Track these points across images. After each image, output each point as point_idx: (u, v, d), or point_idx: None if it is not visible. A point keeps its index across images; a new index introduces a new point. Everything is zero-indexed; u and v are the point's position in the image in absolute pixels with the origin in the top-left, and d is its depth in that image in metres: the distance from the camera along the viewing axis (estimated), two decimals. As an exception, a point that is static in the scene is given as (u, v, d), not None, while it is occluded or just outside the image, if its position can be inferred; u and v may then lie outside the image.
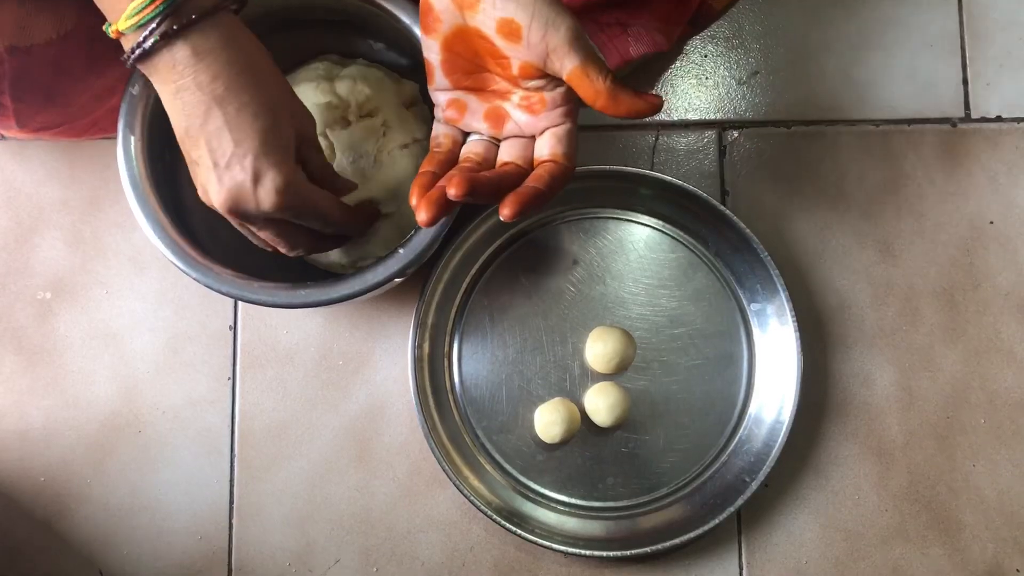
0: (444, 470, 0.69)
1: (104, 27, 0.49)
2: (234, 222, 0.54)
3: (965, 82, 0.80)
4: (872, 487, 0.74)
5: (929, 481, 0.74)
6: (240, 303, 0.75)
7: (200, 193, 0.53)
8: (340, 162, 0.66)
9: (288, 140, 0.51)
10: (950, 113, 0.79)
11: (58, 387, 0.74)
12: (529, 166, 0.53)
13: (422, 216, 0.49)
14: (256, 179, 0.49)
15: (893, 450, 0.75)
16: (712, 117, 0.79)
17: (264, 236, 0.55)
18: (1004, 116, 0.79)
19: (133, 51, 0.47)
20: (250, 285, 0.61)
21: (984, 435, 0.75)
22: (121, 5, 0.46)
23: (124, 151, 0.62)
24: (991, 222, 0.78)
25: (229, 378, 0.75)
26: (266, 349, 0.75)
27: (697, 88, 0.80)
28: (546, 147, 0.52)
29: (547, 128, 0.52)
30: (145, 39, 0.47)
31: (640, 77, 0.79)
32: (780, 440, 0.70)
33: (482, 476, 0.72)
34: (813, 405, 0.75)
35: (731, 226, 0.72)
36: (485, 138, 0.55)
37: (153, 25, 0.46)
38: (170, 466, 0.74)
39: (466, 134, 0.56)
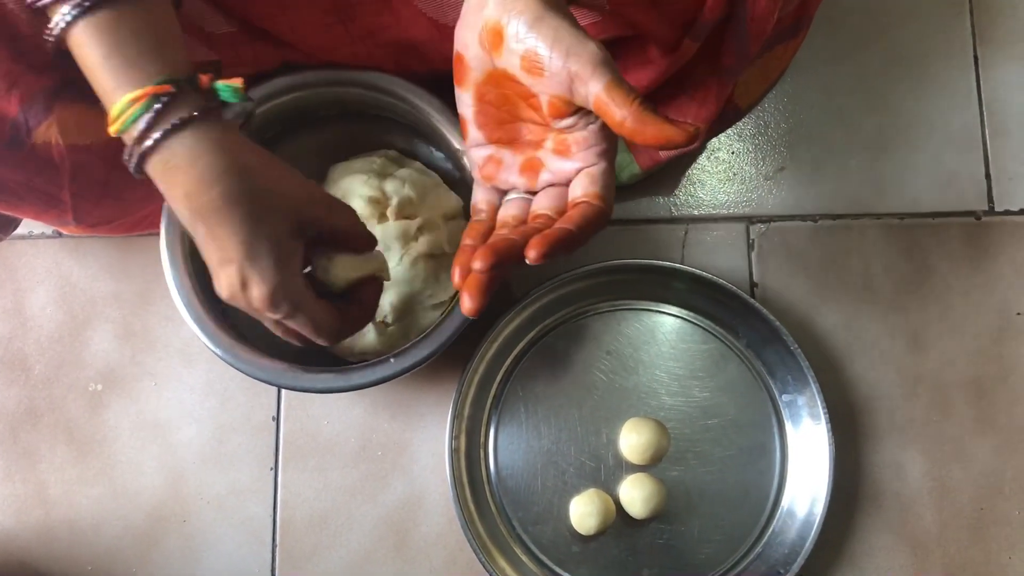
0: (481, 562, 0.71)
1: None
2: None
3: (988, 176, 0.82)
4: (907, 579, 0.74)
5: (965, 574, 0.74)
6: (283, 394, 0.78)
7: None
8: None
9: (277, 242, 0.49)
10: (974, 206, 0.81)
11: (107, 477, 0.77)
12: (561, 215, 0.50)
13: (466, 305, 0.47)
14: (243, 286, 0.49)
15: (927, 541, 0.75)
16: (740, 212, 0.81)
17: (275, 329, 0.56)
18: (1027, 209, 0.81)
19: (129, 157, 0.48)
20: (288, 372, 0.64)
21: (1019, 527, 0.75)
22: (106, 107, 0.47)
23: (168, 247, 0.65)
24: (1018, 313, 0.79)
25: (271, 468, 0.76)
26: (308, 439, 0.77)
27: (725, 183, 0.82)
28: (579, 187, 0.49)
29: (581, 169, 0.50)
30: (132, 148, 0.47)
31: (667, 173, 0.82)
32: (814, 532, 0.71)
33: (518, 567, 0.72)
34: (846, 496, 0.75)
35: (761, 318, 0.74)
36: (521, 197, 0.54)
37: (140, 128, 0.46)
38: (213, 555, 0.75)
39: (503, 195, 0.55)
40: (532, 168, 0.52)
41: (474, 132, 0.53)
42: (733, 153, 0.83)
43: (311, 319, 0.53)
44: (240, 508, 0.76)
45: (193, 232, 0.49)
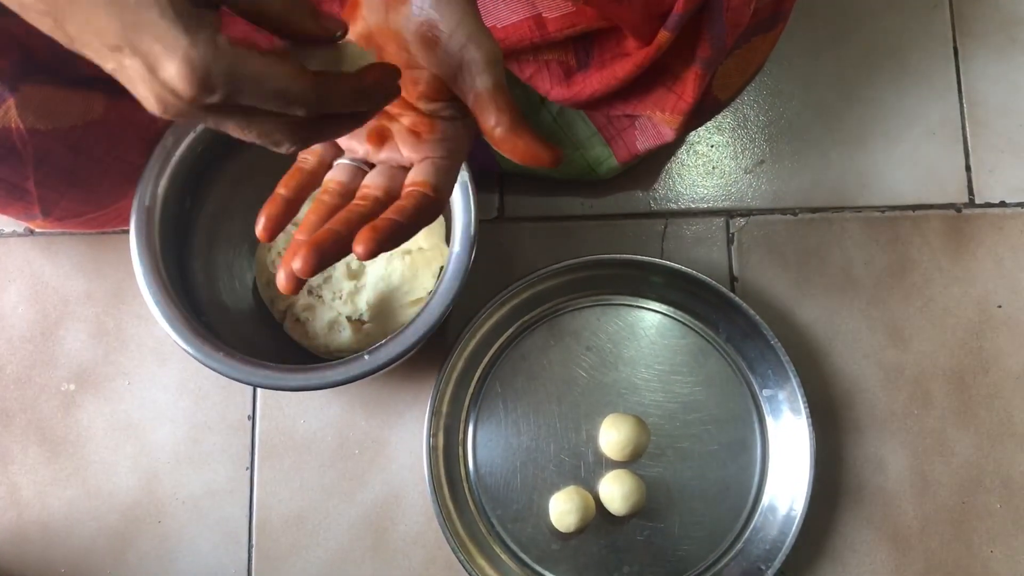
0: (460, 560, 0.70)
1: None
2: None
3: (968, 168, 0.82)
4: (889, 574, 0.74)
5: (947, 568, 0.74)
6: (259, 393, 0.77)
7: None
8: None
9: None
10: (954, 199, 0.81)
11: (80, 478, 0.75)
12: (390, 200, 0.46)
13: (281, 282, 0.43)
14: (151, 69, 0.35)
15: (909, 536, 0.74)
16: (719, 205, 0.81)
17: (233, 131, 0.40)
18: (1008, 201, 0.81)
19: None
20: (260, 370, 0.63)
21: (1001, 520, 0.75)
22: None
23: (138, 243, 0.64)
24: (999, 306, 0.78)
25: (247, 467, 0.76)
26: (284, 438, 0.76)
27: (704, 177, 0.82)
28: (420, 174, 0.46)
29: (427, 158, 0.47)
30: None
31: (645, 167, 0.81)
32: (795, 527, 0.70)
33: (498, 566, 0.72)
34: (827, 491, 0.75)
35: (741, 313, 0.74)
36: (355, 163, 0.50)
37: None
38: (189, 556, 0.74)
39: (339, 152, 0.50)
40: (380, 138, 0.48)
41: None
42: (712, 147, 0.82)
43: (269, 84, 0.37)
44: (216, 508, 0.75)
45: (58, 35, 0.36)
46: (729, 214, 0.81)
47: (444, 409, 0.74)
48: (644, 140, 0.75)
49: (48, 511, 0.75)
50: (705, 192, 0.81)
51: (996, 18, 0.84)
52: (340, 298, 0.71)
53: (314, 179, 0.49)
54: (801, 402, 0.72)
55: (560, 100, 0.71)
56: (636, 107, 0.73)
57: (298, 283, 0.43)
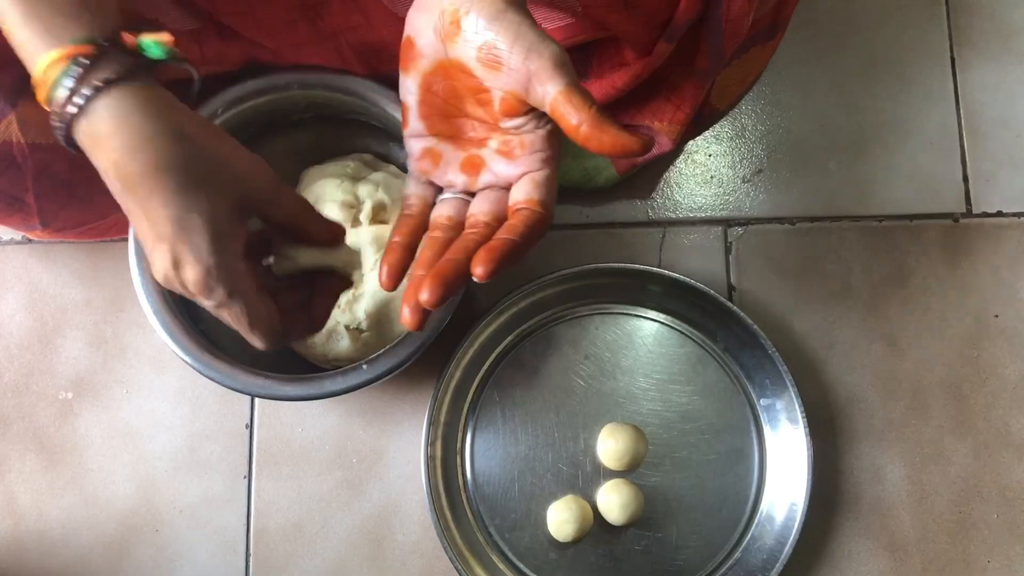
0: (457, 570, 0.70)
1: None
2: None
3: (965, 178, 0.82)
4: (887, 584, 0.74)
5: (944, 578, 0.74)
6: (257, 402, 0.77)
7: None
8: None
9: (214, 218, 0.46)
10: (952, 208, 0.81)
11: (77, 486, 0.75)
12: (499, 222, 0.48)
13: (407, 318, 0.45)
14: (176, 265, 0.46)
15: (907, 545, 0.75)
16: (718, 214, 0.81)
17: (220, 315, 0.50)
18: (1005, 211, 0.81)
19: (56, 129, 0.45)
20: (258, 380, 0.63)
21: (998, 530, 0.75)
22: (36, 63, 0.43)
23: (137, 253, 0.65)
24: (996, 316, 0.79)
25: (245, 476, 0.75)
26: (281, 447, 0.76)
27: (703, 186, 0.82)
28: (522, 192, 0.48)
29: (525, 174, 0.48)
30: (58, 117, 0.44)
31: (644, 176, 0.81)
32: (792, 536, 0.70)
33: (495, 575, 0.72)
34: (825, 500, 0.75)
35: (738, 322, 0.74)
36: (457, 196, 0.52)
37: (63, 94, 0.43)
38: (186, 565, 0.74)
39: (438, 191, 0.53)
40: (473, 167, 0.51)
41: (415, 122, 0.51)
42: (710, 156, 0.82)
43: (247, 311, 0.48)
44: (213, 517, 0.75)
45: (125, 208, 0.46)
46: (727, 223, 0.81)
47: (442, 418, 0.74)
48: (643, 150, 0.75)
49: (45, 519, 0.75)
50: (703, 201, 0.81)
51: (993, 29, 0.85)
52: (339, 307, 0.71)
53: (422, 221, 0.52)
54: (799, 411, 0.72)
55: (559, 110, 0.71)
56: (635, 117, 0.74)
57: (425, 316, 0.46)
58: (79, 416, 0.77)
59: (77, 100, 0.43)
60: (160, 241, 0.45)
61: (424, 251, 0.49)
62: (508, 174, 0.49)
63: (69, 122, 0.44)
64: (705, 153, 0.83)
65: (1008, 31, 0.85)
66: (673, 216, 0.81)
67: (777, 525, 0.72)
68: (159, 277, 0.47)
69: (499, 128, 0.49)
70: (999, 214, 0.81)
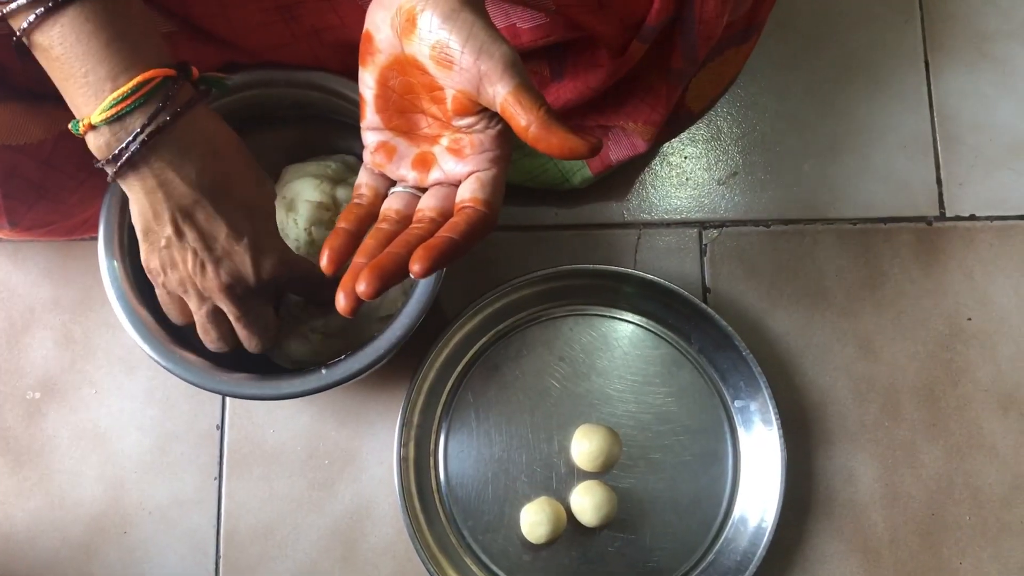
0: (429, 572, 0.69)
1: (71, 125, 0.49)
2: (203, 315, 0.58)
3: (939, 182, 0.82)
4: (859, 586, 0.74)
5: (916, 580, 0.74)
6: (228, 402, 0.76)
7: (175, 284, 0.56)
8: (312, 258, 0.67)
9: (271, 213, 0.56)
10: (925, 212, 0.81)
11: (44, 488, 0.74)
12: (445, 219, 0.49)
13: (341, 304, 0.46)
14: (258, 255, 0.54)
15: (879, 547, 0.75)
16: (692, 216, 0.81)
17: (238, 321, 0.58)
18: (978, 215, 0.81)
19: (117, 156, 0.49)
20: (233, 379, 0.62)
21: (969, 532, 0.75)
22: (92, 97, 0.47)
23: (107, 251, 0.63)
24: (969, 319, 0.79)
25: (215, 478, 0.75)
26: (252, 448, 0.75)
27: (678, 188, 0.82)
28: (467, 191, 0.49)
29: (472, 172, 0.49)
30: (129, 144, 0.48)
31: (619, 178, 0.81)
32: (766, 539, 0.70)
33: (468, 578, 0.71)
34: (798, 502, 0.75)
35: (713, 324, 0.74)
36: (408, 190, 0.53)
37: (136, 126, 0.48)
38: (155, 568, 0.73)
39: (391, 183, 0.54)
40: (424, 163, 0.51)
41: (371, 115, 0.52)
42: (686, 158, 0.83)
43: (262, 319, 0.59)
44: (183, 519, 0.74)
45: (190, 216, 0.52)
46: (702, 225, 0.81)
47: (415, 419, 0.73)
48: (618, 151, 0.75)
49: (11, 522, 0.74)
50: (678, 203, 0.81)
51: (966, 33, 0.85)
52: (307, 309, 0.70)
53: (372, 211, 0.53)
54: (772, 413, 0.72)
55: (534, 110, 0.71)
56: (609, 118, 0.73)
57: (358, 304, 0.46)
58: (47, 416, 0.76)
59: (166, 116, 0.49)
60: (238, 239, 0.53)
61: (368, 240, 0.50)
62: (457, 172, 0.50)
63: (149, 139, 0.48)
64: (680, 155, 0.83)
65: (981, 36, 0.85)
66: (648, 218, 0.81)
67: (751, 527, 0.72)
68: (225, 276, 0.54)
69: (451, 126, 0.49)
70: (972, 217, 0.81)
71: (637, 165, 0.82)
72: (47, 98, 0.59)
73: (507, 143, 0.49)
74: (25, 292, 0.78)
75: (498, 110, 0.46)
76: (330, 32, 0.65)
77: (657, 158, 0.82)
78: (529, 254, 0.79)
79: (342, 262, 0.50)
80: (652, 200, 0.81)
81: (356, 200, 0.53)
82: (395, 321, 0.63)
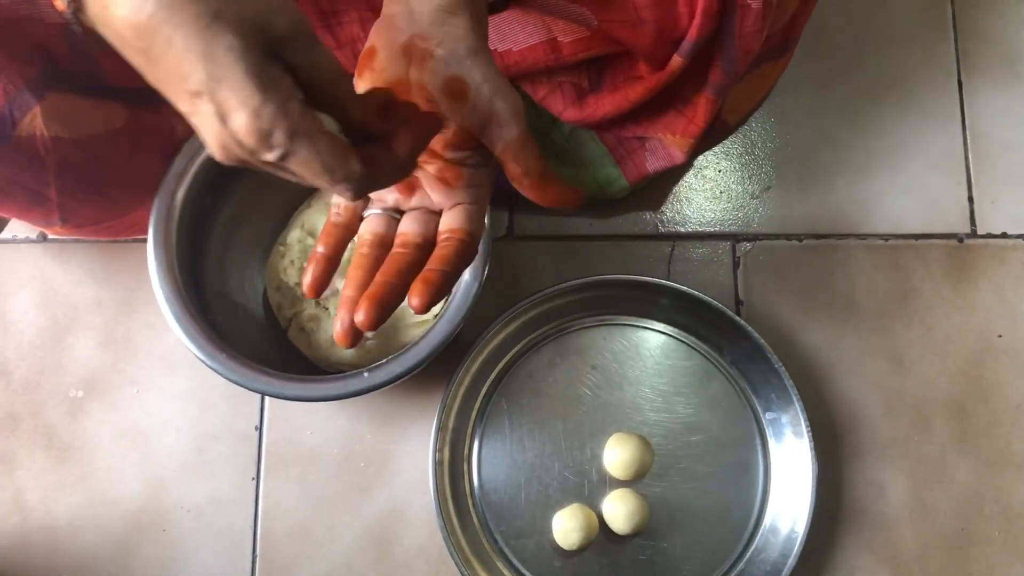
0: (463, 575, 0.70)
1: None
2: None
3: (971, 199, 0.83)
4: (888, 599, 0.74)
5: (945, 594, 0.75)
6: (266, 403, 0.77)
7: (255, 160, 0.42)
8: None
9: (247, 55, 0.37)
10: (956, 229, 0.82)
11: (86, 484, 0.76)
12: (429, 244, 0.49)
13: (340, 336, 0.47)
14: (223, 119, 0.38)
15: (908, 561, 0.75)
16: (726, 229, 0.82)
17: (291, 178, 0.43)
18: (1009, 232, 0.82)
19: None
20: (277, 380, 0.64)
21: (999, 548, 0.75)
22: None
23: (155, 251, 0.65)
24: (999, 335, 0.79)
25: (253, 478, 0.76)
26: (290, 449, 0.76)
27: (712, 201, 0.83)
28: (456, 222, 0.49)
29: (458, 204, 0.50)
30: None
31: (653, 190, 0.82)
32: (796, 550, 0.71)
33: (500, 582, 0.72)
34: (828, 514, 0.75)
35: (746, 336, 0.74)
36: (385, 213, 0.51)
37: None
38: (192, 565, 0.74)
39: (367, 202, 0.52)
40: (409, 187, 0.51)
41: None
42: (720, 171, 0.84)
43: (317, 153, 0.40)
44: (220, 517, 0.75)
45: (153, 80, 0.39)
46: (735, 238, 0.82)
47: (450, 424, 0.74)
48: (654, 162, 0.76)
49: (53, 516, 0.75)
50: (712, 216, 0.82)
51: (999, 53, 0.86)
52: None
53: (349, 231, 0.52)
54: (804, 426, 0.73)
55: (572, 121, 0.72)
56: (647, 129, 0.74)
57: (358, 336, 0.47)
58: (89, 415, 0.77)
59: None
60: (196, 97, 0.38)
61: (352, 270, 0.50)
62: (441, 201, 0.50)
63: None
64: (715, 168, 0.84)
65: (1014, 56, 0.86)
66: (682, 230, 0.82)
67: (781, 538, 0.73)
68: (214, 147, 0.40)
69: (441, 156, 0.49)
70: (1003, 235, 0.82)
71: (672, 177, 0.83)
72: (101, 92, 0.61)
73: (491, 182, 0.50)
74: (69, 292, 0.79)
75: (496, 151, 0.47)
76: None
77: (692, 171, 0.83)
78: (563, 264, 0.80)
79: (324, 287, 0.51)
80: (686, 212, 0.82)
81: (333, 220, 0.52)
82: (435, 327, 0.64)
